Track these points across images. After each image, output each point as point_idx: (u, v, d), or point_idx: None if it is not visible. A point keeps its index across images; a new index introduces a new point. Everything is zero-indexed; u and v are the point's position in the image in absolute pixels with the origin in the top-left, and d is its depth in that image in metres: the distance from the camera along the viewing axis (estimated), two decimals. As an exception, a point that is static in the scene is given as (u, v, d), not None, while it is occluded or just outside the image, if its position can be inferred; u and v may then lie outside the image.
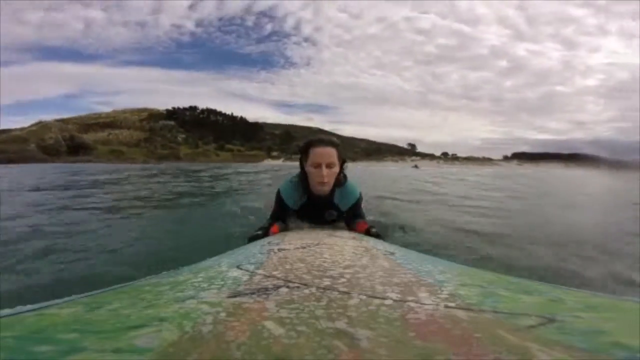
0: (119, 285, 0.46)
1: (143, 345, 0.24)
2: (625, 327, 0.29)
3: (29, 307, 0.34)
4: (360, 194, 1.46)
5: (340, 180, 1.37)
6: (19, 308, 0.34)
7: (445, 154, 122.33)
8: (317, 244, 0.76)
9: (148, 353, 0.23)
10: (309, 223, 1.47)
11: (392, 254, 0.70)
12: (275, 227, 1.28)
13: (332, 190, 1.36)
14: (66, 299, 0.38)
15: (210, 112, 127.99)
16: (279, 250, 0.68)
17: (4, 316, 0.31)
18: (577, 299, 0.37)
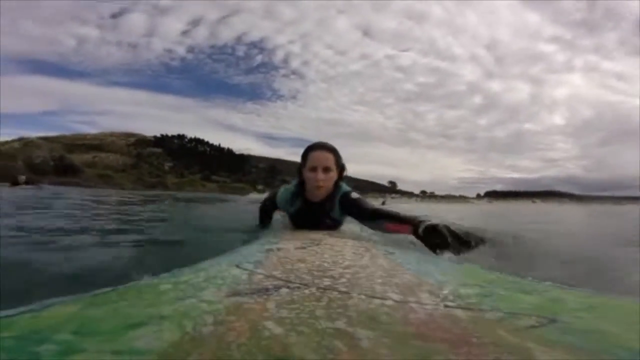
0: (119, 286, 0.46)
1: (143, 346, 0.24)
2: (625, 327, 0.29)
3: (28, 307, 0.34)
4: (353, 192, 1.44)
5: (339, 186, 1.37)
6: (18, 308, 0.34)
7: (423, 192, 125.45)
8: (317, 244, 0.77)
9: (148, 353, 0.23)
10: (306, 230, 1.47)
11: (392, 254, 0.71)
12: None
13: (327, 198, 1.36)
14: (66, 298, 0.38)
15: (197, 141, 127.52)
16: (279, 250, 0.69)
17: (4, 316, 0.31)
18: (577, 299, 0.38)
